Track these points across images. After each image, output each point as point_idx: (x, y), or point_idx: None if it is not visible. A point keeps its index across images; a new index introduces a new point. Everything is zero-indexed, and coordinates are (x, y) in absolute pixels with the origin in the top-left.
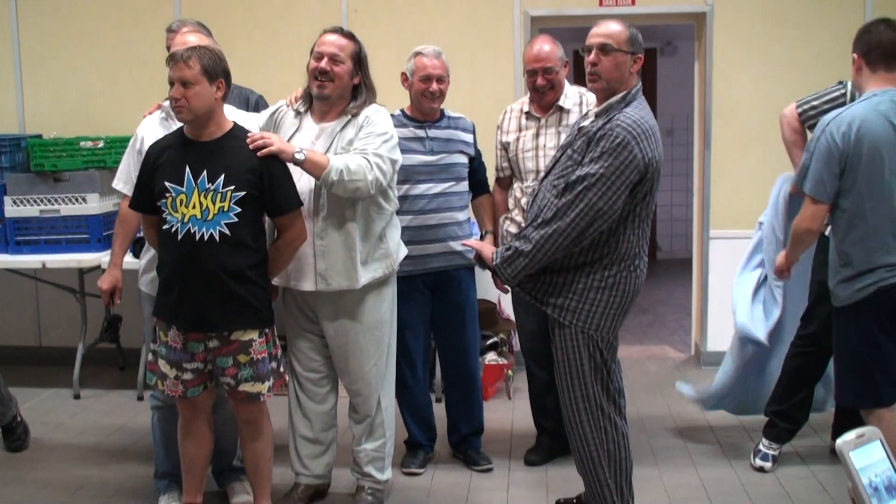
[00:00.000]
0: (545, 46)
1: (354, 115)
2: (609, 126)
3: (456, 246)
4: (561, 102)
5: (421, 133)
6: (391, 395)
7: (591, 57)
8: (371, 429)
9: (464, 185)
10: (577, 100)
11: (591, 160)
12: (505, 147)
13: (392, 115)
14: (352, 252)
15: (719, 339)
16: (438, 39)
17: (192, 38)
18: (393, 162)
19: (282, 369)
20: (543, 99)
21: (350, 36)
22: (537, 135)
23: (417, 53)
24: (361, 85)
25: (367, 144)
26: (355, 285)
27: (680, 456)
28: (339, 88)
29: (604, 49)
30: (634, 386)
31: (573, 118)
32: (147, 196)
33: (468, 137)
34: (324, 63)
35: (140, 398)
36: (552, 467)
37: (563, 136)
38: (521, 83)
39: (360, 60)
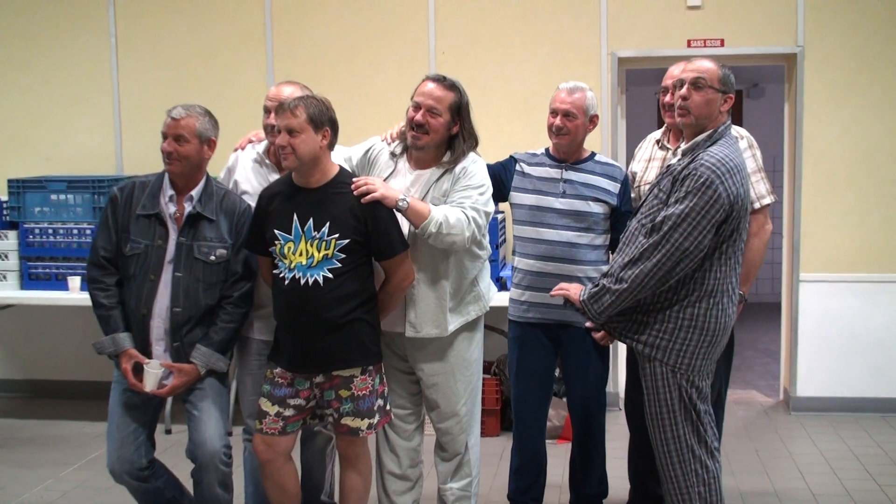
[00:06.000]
0: (675, 70)
1: (451, 167)
2: (693, 165)
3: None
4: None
5: (556, 174)
6: (477, 434)
7: (683, 91)
8: (458, 467)
9: (599, 239)
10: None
11: (676, 200)
12: (633, 177)
13: (535, 154)
14: (442, 302)
15: (810, 384)
16: (525, 81)
17: (288, 89)
18: (487, 214)
19: (388, 407)
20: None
21: (451, 86)
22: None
23: (557, 88)
24: (460, 135)
25: (465, 198)
26: (444, 333)
27: (769, 502)
28: (434, 141)
29: (696, 84)
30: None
31: None
32: (259, 240)
33: (612, 186)
34: (419, 115)
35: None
36: None
37: None
38: (608, 124)
39: (459, 111)
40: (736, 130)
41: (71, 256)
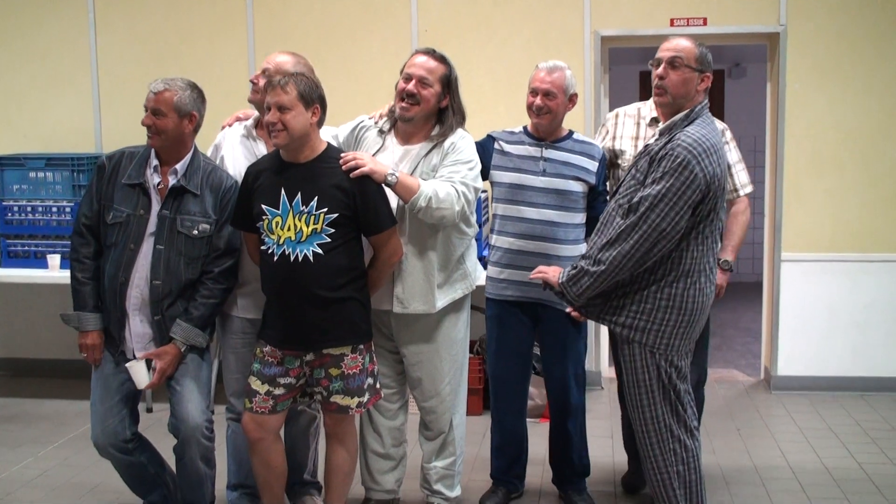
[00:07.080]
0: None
1: (440, 141)
2: (670, 146)
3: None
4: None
5: (536, 152)
6: (462, 413)
7: (660, 71)
8: (442, 446)
9: (578, 217)
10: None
11: (653, 181)
12: (617, 155)
13: (513, 132)
14: (430, 277)
15: (791, 363)
16: (508, 60)
17: (283, 58)
18: (476, 190)
19: (378, 385)
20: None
21: (441, 59)
22: None
23: (536, 67)
24: (449, 109)
25: (454, 173)
26: (432, 310)
27: (750, 480)
28: (424, 111)
29: (672, 63)
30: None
31: None
32: (246, 216)
33: (591, 165)
34: (411, 85)
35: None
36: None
37: None
38: (591, 103)
39: (449, 84)
40: (717, 123)
41: (50, 234)
